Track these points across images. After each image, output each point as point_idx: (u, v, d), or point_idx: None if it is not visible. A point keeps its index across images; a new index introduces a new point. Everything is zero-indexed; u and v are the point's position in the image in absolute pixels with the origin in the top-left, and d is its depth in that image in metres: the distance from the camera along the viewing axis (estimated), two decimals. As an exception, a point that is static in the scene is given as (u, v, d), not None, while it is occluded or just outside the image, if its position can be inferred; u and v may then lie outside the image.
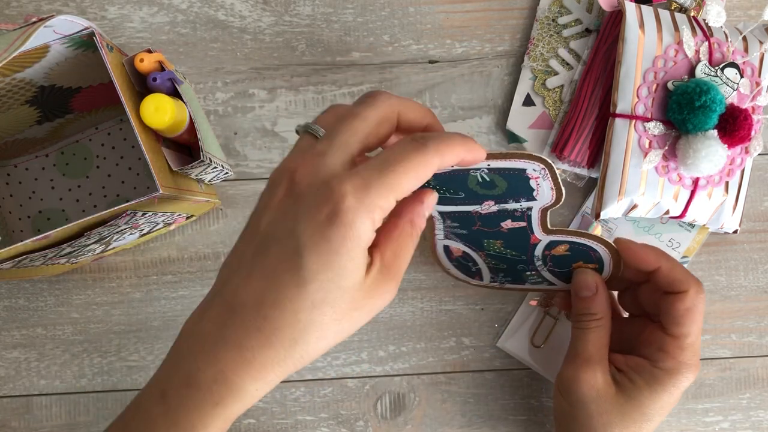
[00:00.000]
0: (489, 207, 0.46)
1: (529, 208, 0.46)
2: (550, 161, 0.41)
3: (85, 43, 0.45)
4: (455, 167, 0.41)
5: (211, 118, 0.60)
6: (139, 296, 0.59)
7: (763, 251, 0.60)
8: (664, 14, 0.56)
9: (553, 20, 0.60)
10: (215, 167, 0.52)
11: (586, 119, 0.57)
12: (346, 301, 0.36)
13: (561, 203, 0.45)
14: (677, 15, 0.57)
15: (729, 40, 0.56)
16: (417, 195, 0.39)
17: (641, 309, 0.53)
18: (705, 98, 0.52)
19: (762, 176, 0.60)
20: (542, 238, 0.49)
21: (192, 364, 0.36)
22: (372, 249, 0.36)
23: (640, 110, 0.55)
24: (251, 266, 0.36)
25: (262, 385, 0.36)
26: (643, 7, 0.56)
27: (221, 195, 0.59)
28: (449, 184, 0.43)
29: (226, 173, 0.56)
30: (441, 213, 0.49)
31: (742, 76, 0.55)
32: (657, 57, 0.55)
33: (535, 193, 0.44)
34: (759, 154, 0.60)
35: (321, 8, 0.61)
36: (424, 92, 0.60)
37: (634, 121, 0.54)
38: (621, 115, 0.55)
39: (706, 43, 0.55)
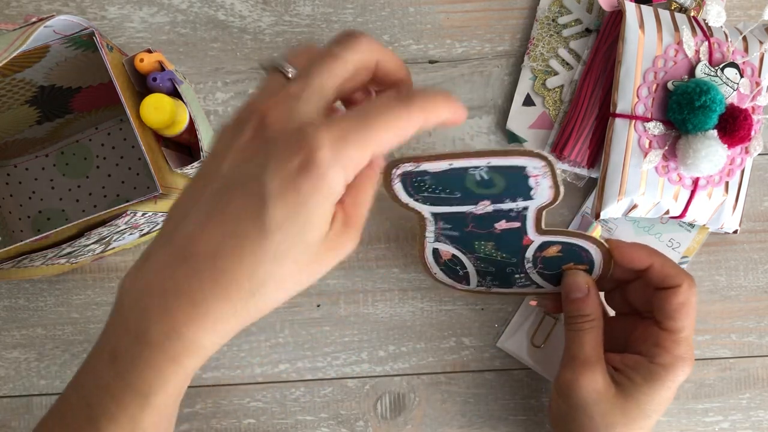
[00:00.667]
0: (484, 207, 0.46)
1: (525, 208, 0.46)
2: (551, 158, 0.41)
3: (85, 43, 0.45)
4: (453, 166, 0.40)
5: (211, 118, 0.60)
6: (139, 296, 0.59)
7: (763, 251, 0.60)
8: (664, 14, 0.56)
9: (553, 20, 0.60)
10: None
11: (586, 119, 0.57)
12: (309, 255, 0.33)
13: (558, 202, 0.45)
14: (677, 15, 0.57)
15: (729, 40, 0.56)
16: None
17: (630, 307, 0.53)
18: (705, 98, 0.52)
19: (762, 176, 0.60)
20: (535, 239, 0.49)
21: (141, 321, 0.33)
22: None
23: (640, 110, 0.55)
24: (209, 212, 0.33)
25: (218, 338, 0.34)
26: (643, 7, 0.56)
27: (221, 195, 0.59)
28: (446, 184, 0.43)
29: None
30: (434, 214, 0.49)
31: (742, 76, 0.55)
32: (657, 57, 0.55)
33: (532, 192, 0.44)
34: (759, 154, 0.60)
35: (321, 8, 0.61)
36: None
37: (634, 121, 0.54)
38: (621, 115, 0.55)
39: (706, 43, 0.55)
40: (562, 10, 0.60)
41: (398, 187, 0.46)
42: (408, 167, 0.44)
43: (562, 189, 0.44)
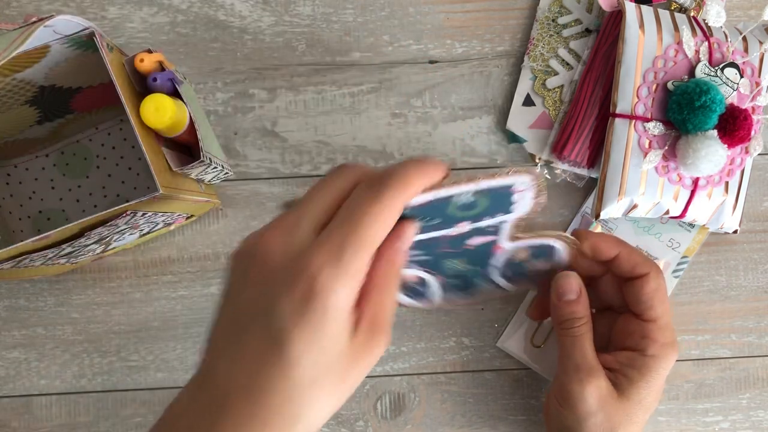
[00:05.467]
0: (461, 228, 0.43)
1: (504, 222, 0.44)
2: (540, 171, 0.40)
3: (86, 43, 0.45)
4: (438, 196, 0.38)
5: (211, 118, 0.60)
6: (139, 296, 0.59)
7: (763, 251, 0.60)
8: (664, 14, 0.56)
9: (553, 20, 0.60)
10: (215, 167, 0.52)
11: (586, 119, 0.57)
12: (337, 372, 0.34)
13: (538, 212, 0.43)
14: (677, 15, 0.57)
15: (729, 40, 0.56)
16: (393, 230, 0.37)
17: (603, 303, 0.53)
18: (705, 98, 0.52)
19: (762, 176, 0.60)
20: (507, 247, 0.47)
21: None
22: (354, 306, 0.35)
23: (640, 110, 0.55)
24: (236, 348, 0.35)
25: None
26: (643, 7, 0.56)
27: (221, 195, 0.59)
28: (427, 213, 0.40)
29: (226, 173, 0.56)
30: None
31: (742, 76, 0.55)
32: (657, 57, 0.55)
33: (513, 207, 0.42)
34: (759, 154, 0.60)
35: (321, 8, 0.61)
36: (424, 92, 0.60)
37: (634, 121, 0.54)
38: (621, 115, 0.55)
39: (706, 43, 0.55)
40: (562, 10, 0.60)
41: None
42: None
43: (544, 198, 0.42)
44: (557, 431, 0.52)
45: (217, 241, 0.60)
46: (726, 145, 0.53)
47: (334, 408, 0.36)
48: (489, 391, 0.59)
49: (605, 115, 0.56)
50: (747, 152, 0.57)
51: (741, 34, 0.57)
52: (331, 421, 0.59)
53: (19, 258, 0.45)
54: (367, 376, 0.58)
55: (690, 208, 0.55)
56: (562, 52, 0.59)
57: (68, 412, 0.59)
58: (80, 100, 0.53)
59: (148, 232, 0.55)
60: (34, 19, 0.42)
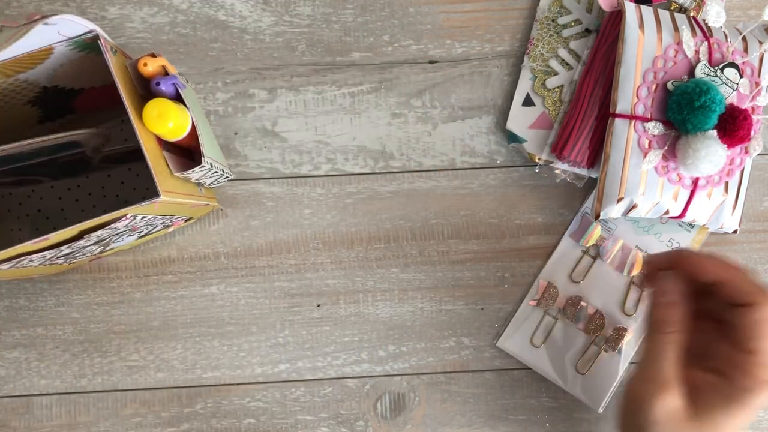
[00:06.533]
0: None
1: None
2: None
3: (89, 45, 0.45)
4: None
5: (212, 118, 0.60)
6: (139, 296, 0.59)
7: (763, 251, 0.60)
8: (664, 14, 0.56)
9: (553, 20, 0.60)
10: (215, 172, 0.52)
11: (586, 119, 0.57)
12: None
13: None
14: (677, 15, 0.57)
15: (729, 40, 0.56)
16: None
17: (716, 314, 0.50)
18: (705, 98, 0.52)
19: (762, 176, 0.60)
20: None
21: None
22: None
23: (639, 110, 0.55)
24: None
25: None
26: (643, 7, 0.56)
27: (221, 195, 0.59)
28: None
29: (226, 177, 0.56)
30: None
31: (741, 77, 0.55)
32: (657, 57, 0.55)
33: None
34: (759, 154, 0.60)
35: (321, 8, 0.61)
36: (424, 92, 0.60)
37: (633, 121, 0.55)
38: (621, 115, 0.55)
39: (706, 43, 0.55)
40: (561, 11, 0.60)
41: None
42: None
43: None
44: (626, 420, 0.50)
45: (217, 241, 0.60)
46: (726, 145, 0.54)
47: None
48: (489, 391, 0.59)
49: (605, 115, 0.56)
50: (747, 152, 0.57)
51: (741, 34, 0.57)
52: (331, 421, 0.59)
53: (18, 259, 0.45)
54: (367, 376, 0.59)
55: (690, 208, 0.56)
56: (562, 53, 0.59)
57: (68, 412, 0.59)
58: (82, 100, 0.53)
59: (146, 234, 0.55)
60: (36, 17, 0.42)
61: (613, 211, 0.55)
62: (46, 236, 0.43)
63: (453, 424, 0.59)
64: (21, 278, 0.59)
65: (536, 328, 0.59)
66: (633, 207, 0.55)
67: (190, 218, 0.57)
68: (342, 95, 0.60)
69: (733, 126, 0.53)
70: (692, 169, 0.54)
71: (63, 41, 0.44)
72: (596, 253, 0.59)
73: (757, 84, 0.56)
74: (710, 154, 0.52)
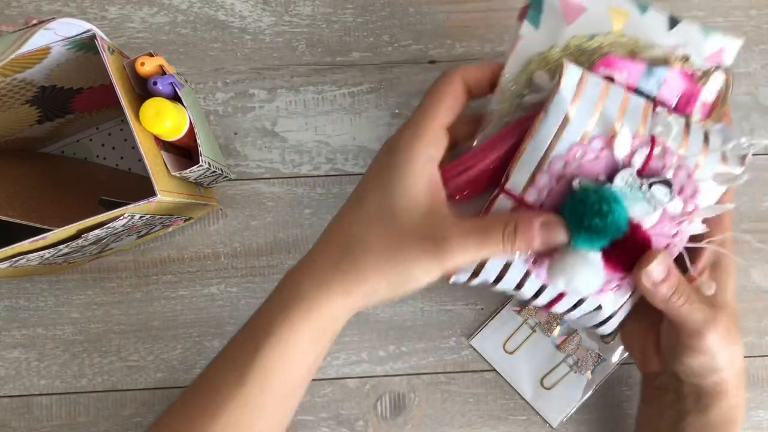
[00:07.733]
0: None
1: None
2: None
3: (87, 45, 0.45)
4: None
5: (211, 118, 0.60)
6: (139, 296, 0.59)
7: (763, 251, 0.60)
8: (615, 95, 0.44)
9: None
10: (214, 171, 0.52)
11: (484, 165, 0.47)
12: (396, 224, 0.43)
13: None
14: (635, 101, 0.45)
15: (689, 149, 0.45)
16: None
17: None
18: (596, 221, 0.43)
19: (762, 176, 0.60)
20: None
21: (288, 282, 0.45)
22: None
23: (531, 197, 0.45)
24: None
25: (317, 285, 0.43)
26: (593, 79, 0.44)
27: (221, 195, 0.59)
28: None
29: (225, 177, 0.56)
30: None
31: (674, 197, 0.45)
32: (575, 145, 0.44)
33: None
34: (759, 154, 0.59)
35: (321, 8, 0.61)
36: (423, 92, 0.60)
37: (520, 206, 0.46)
38: (508, 194, 0.46)
39: (646, 149, 0.44)
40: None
41: None
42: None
43: None
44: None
45: (217, 241, 0.60)
46: (607, 270, 0.46)
47: (383, 263, 0.43)
48: (489, 391, 0.59)
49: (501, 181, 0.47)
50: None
51: (720, 148, 0.46)
52: (332, 421, 0.59)
53: (16, 258, 0.45)
54: (367, 376, 0.58)
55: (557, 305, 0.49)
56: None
57: (68, 412, 0.59)
58: (81, 100, 0.53)
59: (145, 234, 0.55)
60: (34, 22, 0.42)
61: (463, 278, 0.49)
62: (43, 235, 0.44)
63: (453, 424, 0.59)
64: (21, 278, 0.59)
65: (512, 334, 0.59)
66: (488, 283, 0.48)
67: (190, 218, 0.57)
68: (342, 95, 0.60)
69: (621, 256, 0.45)
70: (553, 280, 0.45)
71: (60, 41, 0.44)
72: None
73: (689, 211, 0.46)
74: (578, 276, 0.44)
